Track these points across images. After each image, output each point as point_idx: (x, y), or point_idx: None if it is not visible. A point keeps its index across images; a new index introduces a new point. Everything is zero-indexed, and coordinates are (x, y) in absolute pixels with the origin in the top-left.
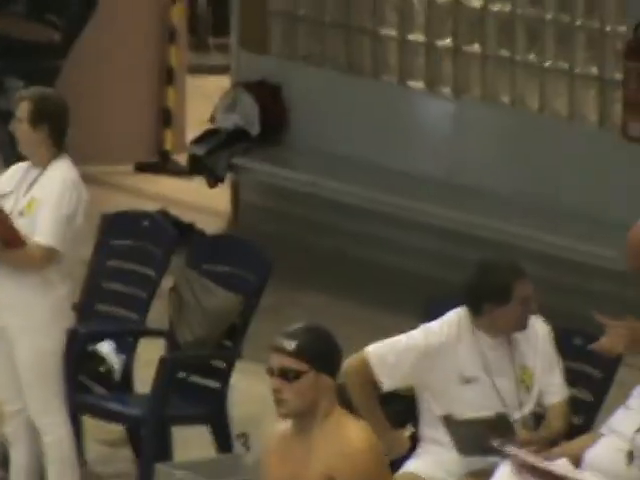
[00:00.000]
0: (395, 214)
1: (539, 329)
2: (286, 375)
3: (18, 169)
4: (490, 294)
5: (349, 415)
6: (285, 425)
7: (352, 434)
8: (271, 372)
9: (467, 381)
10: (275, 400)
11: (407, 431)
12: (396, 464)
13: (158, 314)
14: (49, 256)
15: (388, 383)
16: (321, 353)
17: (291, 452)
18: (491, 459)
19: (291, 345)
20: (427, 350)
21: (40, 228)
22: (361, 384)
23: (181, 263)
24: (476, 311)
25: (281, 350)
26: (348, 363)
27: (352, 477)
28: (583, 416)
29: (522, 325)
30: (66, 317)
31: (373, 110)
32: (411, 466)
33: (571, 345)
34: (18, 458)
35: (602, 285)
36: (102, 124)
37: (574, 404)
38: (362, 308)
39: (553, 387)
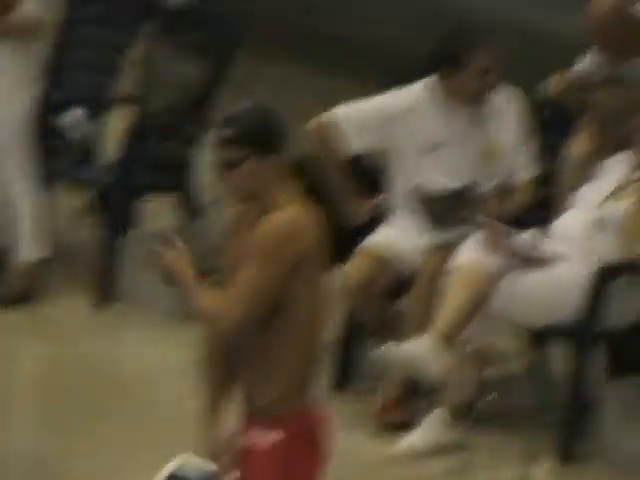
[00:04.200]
0: None
1: (512, 103)
2: (229, 163)
3: None
4: (445, 58)
5: (294, 206)
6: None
7: (272, 217)
8: (217, 162)
9: (434, 148)
10: (225, 187)
11: (375, 200)
12: (367, 232)
13: (128, 82)
14: (40, 26)
15: (355, 143)
16: (259, 135)
17: (241, 237)
18: (459, 231)
19: (227, 133)
20: (393, 111)
21: None
22: (324, 140)
23: (151, 31)
24: (437, 75)
25: (220, 140)
26: (312, 122)
27: (255, 251)
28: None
29: (478, 96)
30: (34, 84)
31: None
32: (378, 235)
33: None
34: None
35: None
36: None
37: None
38: (330, 80)
39: (521, 163)
